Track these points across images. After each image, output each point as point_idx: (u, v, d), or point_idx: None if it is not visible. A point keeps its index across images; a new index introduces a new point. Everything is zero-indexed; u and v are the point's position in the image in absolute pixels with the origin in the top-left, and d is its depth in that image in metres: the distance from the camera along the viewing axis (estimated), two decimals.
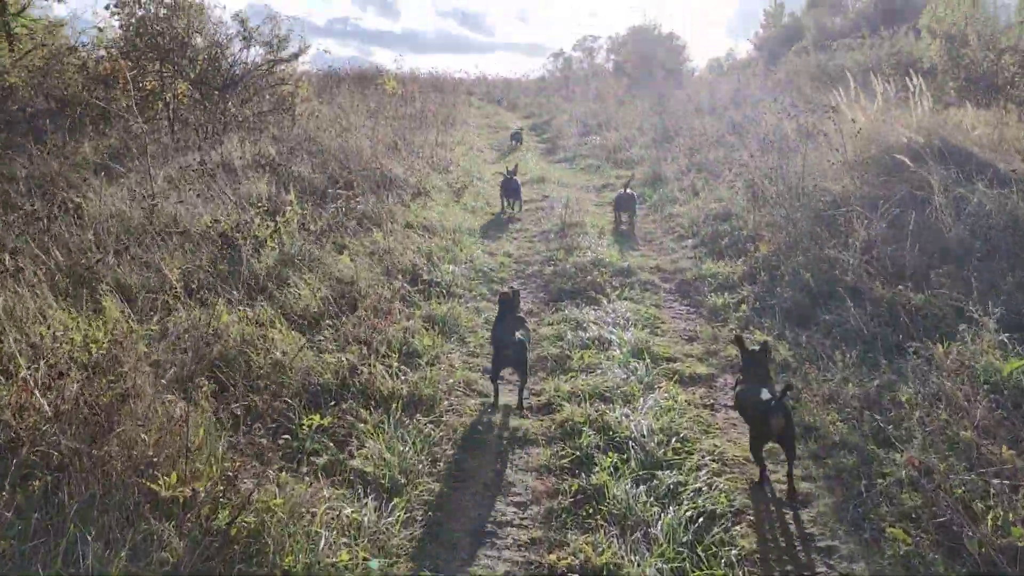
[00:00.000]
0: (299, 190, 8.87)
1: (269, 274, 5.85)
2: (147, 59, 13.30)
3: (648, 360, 5.17)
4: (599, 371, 5.06)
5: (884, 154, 8.27)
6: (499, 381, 4.75)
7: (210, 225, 6.41)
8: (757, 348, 4.23)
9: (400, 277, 6.31)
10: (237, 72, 13.60)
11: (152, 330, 4.23)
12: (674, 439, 4.12)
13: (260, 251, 6.23)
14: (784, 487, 3.78)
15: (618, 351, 5.38)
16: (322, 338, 4.95)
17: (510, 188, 9.88)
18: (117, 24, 13.71)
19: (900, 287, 5.80)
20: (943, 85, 15.68)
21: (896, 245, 6.31)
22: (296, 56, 24.16)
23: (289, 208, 7.06)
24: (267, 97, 14.80)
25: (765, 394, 3.82)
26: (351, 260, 6.40)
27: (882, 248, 6.28)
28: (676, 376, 5.06)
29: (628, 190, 8.95)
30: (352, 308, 5.51)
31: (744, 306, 6.16)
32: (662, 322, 6.19)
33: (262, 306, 5.13)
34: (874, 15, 33.66)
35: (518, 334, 4.61)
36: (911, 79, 9.26)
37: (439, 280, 6.44)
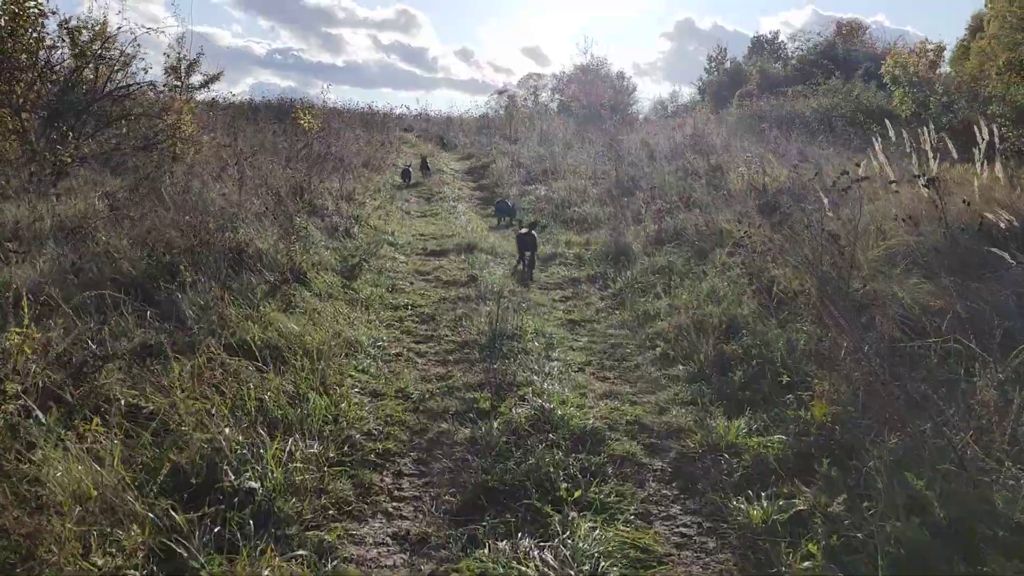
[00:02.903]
0: (109, 279, 5.88)
1: None
2: None
3: None
4: None
5: (952, 238, 5.76)
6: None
7: None
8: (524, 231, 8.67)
9: (165, 494, 3.32)
10: (77, 98, 10.44)
11: None
12: None
13: None
14: None
15: None
16: None
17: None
18: None
19: None
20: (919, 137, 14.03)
21: None
22: (207, 83, 21.05)
23: (13, 332, 4.05)
24: (126, 131, 11.68)
25: (525, 230, 8.58)
26: (93, 444, 3.44)
27: None
28: None
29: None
30: None
31: (812, 546, 3.36)
32: (663, 565, 3.38)
33: None
34: (815, 63, 32.70)
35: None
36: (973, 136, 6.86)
37: (253, 485, 3.48)
